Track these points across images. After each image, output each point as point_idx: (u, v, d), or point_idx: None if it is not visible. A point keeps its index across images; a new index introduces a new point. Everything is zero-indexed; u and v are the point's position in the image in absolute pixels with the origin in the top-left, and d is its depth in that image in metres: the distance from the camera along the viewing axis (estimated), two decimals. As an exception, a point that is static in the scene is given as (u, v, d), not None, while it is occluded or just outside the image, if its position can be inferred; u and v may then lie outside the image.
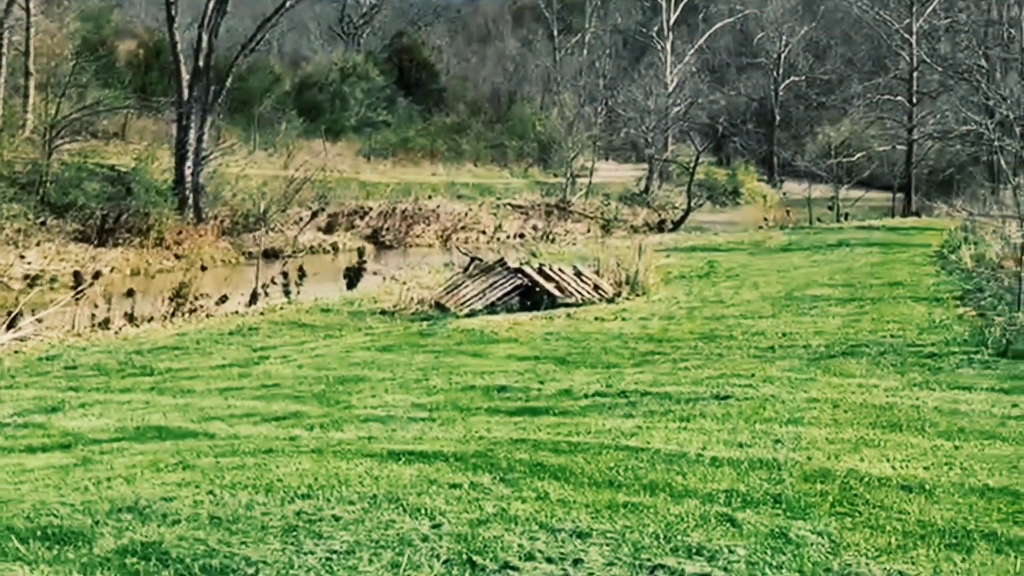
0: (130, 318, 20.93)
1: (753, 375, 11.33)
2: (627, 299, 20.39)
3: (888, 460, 7.46)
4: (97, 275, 27.96)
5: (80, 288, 23.44)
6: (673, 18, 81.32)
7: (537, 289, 20.32)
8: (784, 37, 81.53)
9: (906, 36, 58.75)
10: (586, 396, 10.67)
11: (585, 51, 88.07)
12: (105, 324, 20.23)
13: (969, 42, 45.29)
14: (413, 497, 6.53)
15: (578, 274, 21.36)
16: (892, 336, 14.10)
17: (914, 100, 57.94)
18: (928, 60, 56.28)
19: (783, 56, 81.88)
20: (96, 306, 22.02)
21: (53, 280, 29.12)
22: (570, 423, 9.29)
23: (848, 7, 71.12)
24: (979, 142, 38.87)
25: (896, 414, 9.14)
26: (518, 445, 8.20)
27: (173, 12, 40.02)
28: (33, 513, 6.25)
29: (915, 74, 57.70)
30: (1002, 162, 15.20)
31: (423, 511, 6.21)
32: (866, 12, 65.37)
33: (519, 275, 20.77)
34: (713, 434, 8.50)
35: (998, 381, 10.67)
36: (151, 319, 21.07)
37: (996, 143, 15.77)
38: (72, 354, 16.53)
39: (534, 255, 30.12)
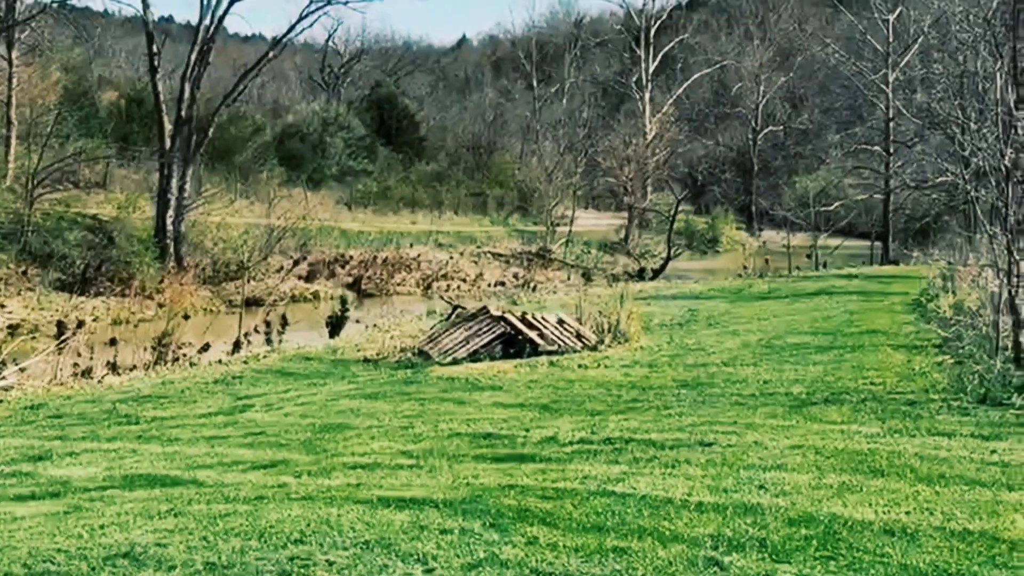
0: (113, 367, 20.93)
1: (736, 422, 11.46)
2: (609, 347, 20.50)
3: (870, 505, 7.59)
4: (80, 324, 27.93)
5: (63, 337, 23.42)
6: (652, 68, 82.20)
7: (520, 337, 20.43)
8: (761, 87, 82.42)
9: (882, 87, 59.53)
10: (571, 443, 10.75)
11: (564, 100, 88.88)
12: (88, 373, 20.23)
13: (944, 93, 45.78)
14: (405, 542, 6.62)
15: (560, 322, 21.49)
16: (872, 384, 14.24)
17: (891, 149, 58.59)
18: (904, 110, 56.93)
19: (761, 106, 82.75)
20: (79, 355, 22.02)
21: (35, 329, 29.08)
22: (556, 469, 9.38)
23: (825, 58, 72.05)
24: (955, 191, 39.32)
25: (878, 460, 9.27)
26: (506, 491, 8.30)
27: (156, 63, 40.24)
28: (30, 560, 6.31)
29: (891, 124, 58.38)
30: (977, 212, 15.44)
31: (415, 556, 6.31)
32: (843, 63, 66.25)
33: (502, 323, 20.87)
34: (698, 480, 8.61)
35: (977, 427, 10.82)
36: (134, 368, 21.07)
37: (971, 193, 16.03)
38: (56, 403, 16.53)
39: (515, 303, 30.30)
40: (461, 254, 52.93)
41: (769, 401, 13.19)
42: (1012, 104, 16.54)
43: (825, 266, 50.83)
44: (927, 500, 7.76)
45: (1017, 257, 14.05)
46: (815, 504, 7.62)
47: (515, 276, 50.38)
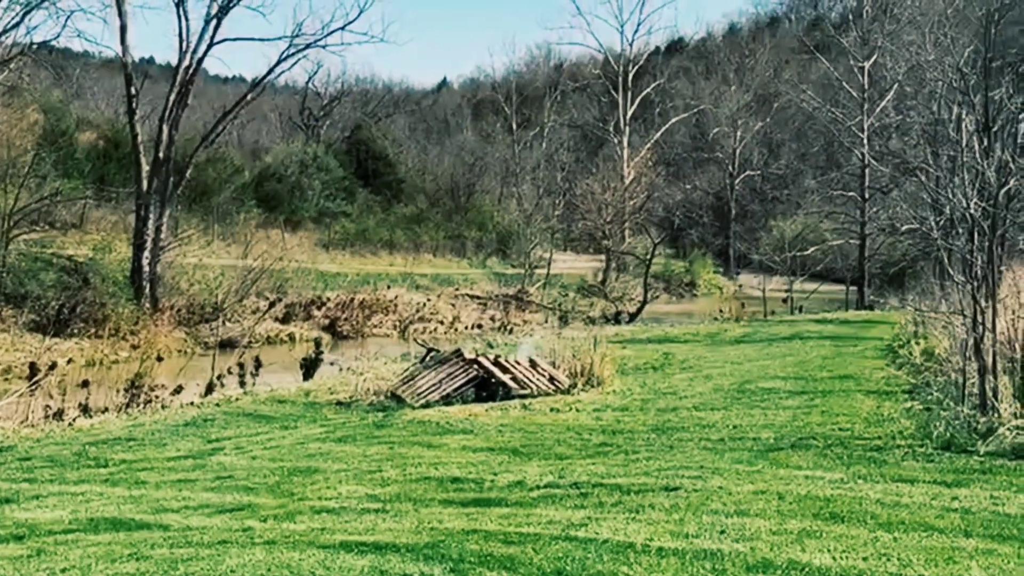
0: (84, 409, 20.80)
1: (703, 467, 11.51)
2: (582, 390, 20.56)
3: (829, 551, 7.65)
4: (53, 366, 27.80)
5: (35, 379, 23.30)
6: (630, 113, 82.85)
7: (493, 380, 20.47)
8: (739, 132, 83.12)
9: (858, 133, 60.10)
10: (538, 487, 10.78)
11: (543, 144, 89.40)
12: (59, 415, 20.11)
13: (918, 140, 46.31)
14: (363, 588, 6.63)
15: (533, 365, 21.54)
16: (840, 429, 14.34)
17: (866, 195, 59.06)
18: (877, 158, 57.53)
19: (738, 151, 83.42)
20: (51, 397, 21.89)
21: (8, 371, 28.95)
22: (521, 514, 9.41)
23: (801, 104, 72.77)
24: (928, 238, 39.68)
25: (839, 506, 9.32)
26: (469, 536, 8.32)
27: (134, 104, 40.30)
28: (-13, 604, 6.30)
29: (867, 170, 58.92)
30: (944, 260, 15.63)
31: (373, 602, 6.32)
32: (819, 110, 66.92)
33: (475, 366, 20.92)
34: (660, 525, 8.65)
35: (940, 474, 10.90)
36: (106, 410, 20.96)
37: (939, 241, 16.24)
38: (26, 446, 16.44)
39: (491, 346, 30.32)
40: (438, 296, 52.97)
41: (737, 446, 13.26)
42: (979, 152, 16.76)
43: (801, 310, 51.15)
44: (885, 547, 7.82)
45: (983, 305, 14.18)
46: (774, 550, 7.67)
47: (492, 319, 50.43)
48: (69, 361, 31.77)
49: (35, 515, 10.66)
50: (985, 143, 22.54)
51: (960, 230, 15.50)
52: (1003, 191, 15.04)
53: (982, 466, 11.33)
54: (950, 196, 16.53)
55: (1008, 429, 12.53)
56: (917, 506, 9.34)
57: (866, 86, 60.57)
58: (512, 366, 21.07)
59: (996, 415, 13.21)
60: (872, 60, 60.81)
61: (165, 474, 13.15)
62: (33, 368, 25.58)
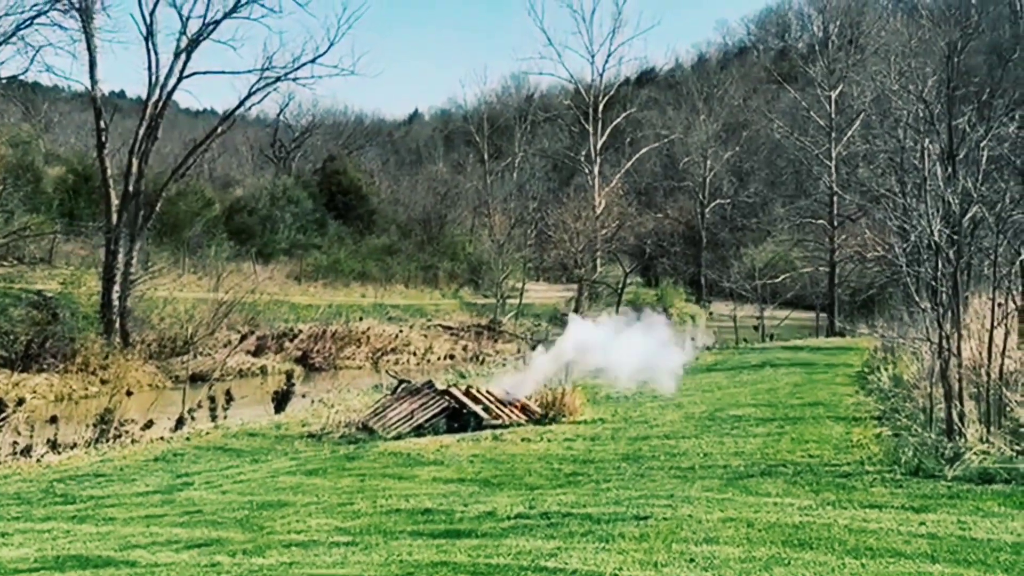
0: (53, 445, 20.62)
1: (673, 495, 11.53)
2: (554, 420, 20.56)
3: (796, 578, 7.69)
4: (20, 402, 27.54)
5: (2, 416, 23.10)
6: (600, 143, 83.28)
7: (464, 411, 20.46)
8: (708, 161, 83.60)
9: (826, 162, 60.62)
10: (509, 518, 10.77)
11: (515, 174, 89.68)
12: (27, 452, 19.93)
13: (884, 168, 46.80)
14: (331, 622, 6.61)
15: (506, 395, 21.54)
16: (810, 456, 14.41)
17: (835, 223, 59.50)
18: (844, 186, 58.05)
19: (708, 179, 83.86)
20: (19, 433, 21.69)
21: (-25, 406, 28.69)
22: (492, 545, 9.41)
23: (770, 133, 73.34)
24: (895, 265, 40.04)
25: (808, 532, 9.37)
26: (438, 568, 8.32)
27: (104, 138, 40.20)
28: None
29: (835, 198, 59.37)
30: (910, 287, 15.79)
31: (340, 636, 6.30)
32: (787, 138, 67.51)
33: (446, 397, 20.90)
34: (630, 554, 8.67)
35: (908, 499, 10.97)
36: (74, 446, 20.78)
37: (904, 268, 16.42)
38: (-8, 482, 16.30)
39: (463, 376, 30.30)
40: (411, 327, 52.91)
41: (707, 474, 13.30)
42: (942, 180, 16.96)
43: (772, 338, 51.35)
44: (853, 573, 7.87)
45: (948, 332, 14.32)
46: (742, 578, 7.70)
47: (465, 349, 50.43)
48: (36, 396, 31.53)
49: (0, 553, 10.56)
50: (949, 171, 22.78)
51: (926, 257, 15.65)
52: (967, 218, 15.21)
53: (949, 491, 11.42)
54: (915, 224, 16.70)
55: (975, 454, 12.64)
56: (885, 532, 9.40)
57: (833, 115, 61.16)
58: (484, 396, 21.08)
59: (963, 440, 13.33)
60: (839, 90, 61.48)
61: (133, 510, 13.05)
62: (0, 404, 25.33)
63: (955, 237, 15.15)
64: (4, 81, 43.43)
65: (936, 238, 14.68)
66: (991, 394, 14.25)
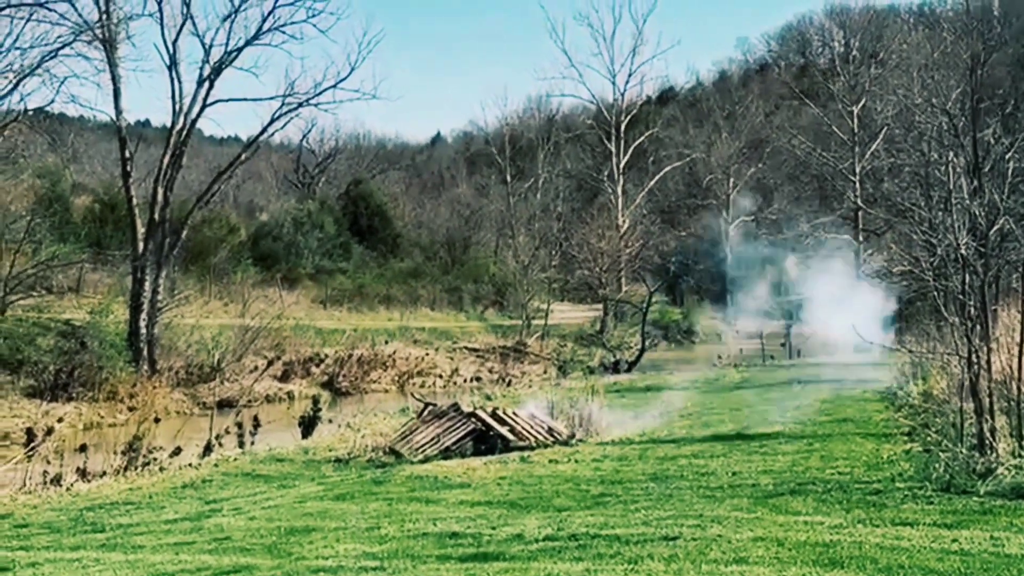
0: (82, 474, 20.69)
1: (702, 515, 11.47)
2: (581, 441, 20.53)
3: (828, 597, 7.61)
4: (49, 431, 27.66)
5: (32, 445, 23.19)
6: (623, 162, 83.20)
7: (491, 433, 20.42)
8: (731, 179, 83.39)
9: (849, 177, 60.41)
10: (537, 540, 10.73)
11: (538, 195, 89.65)
12: (57, 481, 20.00)
13: (909, 183, 46.56)
14: (359, 648, 6.58)
15: (532, 417, 21.51)
16: (839, 473, 14.31)
17: (860, 238, 59.22)
18: (869, 200, 57.80)
19: (731, 196, 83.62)
20: (48, 462, 21.75)
21: (5, 437, 28.85)
22: (519, 568, 9.37)
23: (792, 149, 73.16)
24: (922, 279, 39.80)
25: (839, 551, 9.29)
26: (466, 592, 8.28)
27: (129, 168, 40.46)
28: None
29: (859, 213, 59.11)
30: (938, 301, 15.67)
31: (368, 662, 6.27)
32: (810, 154, 67.31)
33: (473, 419, 20.88)
34: (659, 575, 8.60)
35: (940, 516, 10.87)
36: (104, 474, 20.84)
37: (932, 282, 16.29)
38: (23, 512, 16.35)
39: (489, 398, 30.29)
40: (436, 350, 52.92)
41: (736, 493, 13.21)
42: (968, 194, 16.85)
43: (799, 354, 51.05)
44: (885, 591, 7.79)
45: (977, 345, 14.19)
46: (773, 598, 7.63)
47: (491, 371, 50.38)
48: (60, 420, 31.68)
49: (31, 583, 10.60)
50: (975, 184, 22.63)
51: (953, 271, 15.53)
52: (993, 231, 15.10)
53: (982, 507, 11.30)
54: (942, 237, 16.58)
55: (1006, 469, 12.51)
56: (917, 549, 9.31)
57: (856, 130, 60.97)
58: (511, 418, 21.04)
59: (994, 455, 13.19)
60: (861, 104, 61.30)
61: (162, 537, 13.07)
62: (30, 434, 25.47)
63: (982, 250, 15.04)
64: (31, 113, 43.74)
65: (963, 251, 14.57)
66: (1022, 408, 14.11)
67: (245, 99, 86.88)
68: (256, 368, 42.05)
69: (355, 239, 71.45)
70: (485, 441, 20.34)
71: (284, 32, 42.88)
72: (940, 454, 14.37)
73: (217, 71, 41.52)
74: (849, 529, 10.35)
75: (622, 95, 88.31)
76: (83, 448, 23.40)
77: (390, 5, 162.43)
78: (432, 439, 20.41)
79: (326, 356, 46.40)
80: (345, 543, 11.51)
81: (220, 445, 24.54)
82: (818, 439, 18.17)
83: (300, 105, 44.33)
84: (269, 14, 42.09)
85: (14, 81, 39.35)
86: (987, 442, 13.63)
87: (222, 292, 53.43)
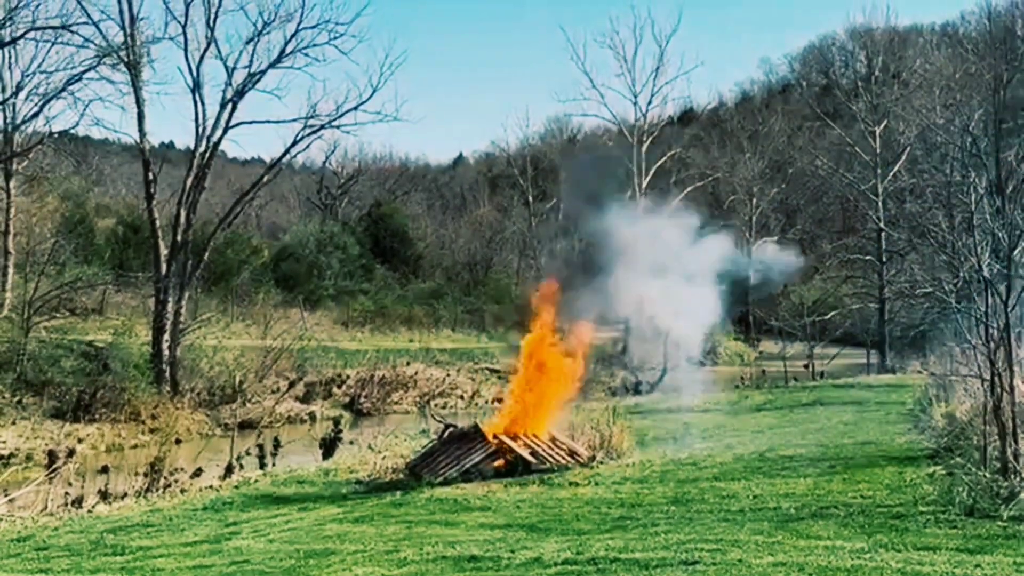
0: (103, 495, 20.75)
1: (722, 539, 11.39)
2: (602, 463, 20.43)
3: (848, 624, 7.54)
4: (71, 453, 27.78)
5: (54, 467, 23.29)
6: (645, 182, 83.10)
7: (512, 455, 20.35)
8: (754, 199, 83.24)
9: (872, 197, 60.19)
10: (556, 564, 10.69)
11: (560, 216, 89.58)
12: (78, 502, 20.06)
13: (932, 203, 46.43)
14: (375, 674, 6.55)
15: (552, 439, 21.42)
16: (862, 496, 14.19)
17: (883, 258, 58.97)
18: (892, 221, 57.55)
19: (754, 217, 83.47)
20: (70, 484, 21.85)
21: (28, 458, 28.98)
22: (538, 593, 9.33)
23: (815, 169, 72.96)
24: (945, 301, 39.70)
25: (861, 576, 9.22)
26: (484, 617, 8.24)
27: (152, 190, 40.73)
28: None
29: (882, 233, 58.88)
30: (961, 323, 15.61)
31: None
32: (833, 175, 67.13)
33: (494, 441, 20.81)
34: (678, 601, 8.55)
35: (963, 541, 10.77)
36: (125, 496, 20.88)
37: (954, 304, 16.22)
38: (44, 534, 16.38)
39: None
40: (458, 371, 52.95)
41: (757, 516, 13.12)
42: (990, 215, 16.77)
43: (822, 376, 50.83)
44: (906, 617, 7.71)
45: (1001, 368, 14.09)
46: (793, 624, 7.56)
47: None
48: (81, 441, 31.79)
49: (50, 606, 10.61)
50: (998, 204, 22.55)
51: (976, 292, 15.44)
52: (1016, 252, 15.01)
53: (1005, 531, 11.20)
54: (964, 258, 16.50)
55: (1030, 493, 12.39)
56: (940, 575, 9.22)
57: (878, 150, 60.76)
58: (531, 440, 20.97)
59: (1018, 479, 13.07)
60: (883, 124, 61.09)
61: (182, 560, 13.07)
62: (52, 455, 25.59)
63: (1005, 272, 14.94)
64: (56, 136, 44.15)
65: (986, 273, 14.49)
66: (1046, 431, 13.99)
67: (268, 121, 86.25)
68: (278, 389, 42.15)
69: (377, 260, 71.68)
70: (506, 463, 20.28)
71: (307, 55, 43.17)
72: (963, 477, 14.25)
73: (240, 94, 41.80)
74: (871, 554, 10.25)
75: (644, 116, 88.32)
76: (104, 469, 23.50)
77: (412, 27, 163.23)
78: (452, 461, 20.33)
79: (347, 377, 46.49)
80: (364, 566, 11.49)
81: (241, 467, 24.56)
82: (840, 462, 18.02)
83: (322, 127, 44.61)
84: (292, 37, 42.42)
85: (39, 104, 39.80)
86: (1010, 466, 13.51)
87: (244, 313, 53.61)
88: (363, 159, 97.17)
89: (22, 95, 41.82)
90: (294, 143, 44.77)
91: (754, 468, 18.05)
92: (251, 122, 47.50)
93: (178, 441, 30.91)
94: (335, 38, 43.43)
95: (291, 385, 43.31)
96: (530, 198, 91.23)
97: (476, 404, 46.61)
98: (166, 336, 39.05)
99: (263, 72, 42.43)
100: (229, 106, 41.63)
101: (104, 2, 68.39)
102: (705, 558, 10.29)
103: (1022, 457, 13.59)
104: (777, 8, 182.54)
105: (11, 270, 42.27)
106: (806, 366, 54.57)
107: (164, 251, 40.12)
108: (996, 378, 13.99)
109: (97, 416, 34.73)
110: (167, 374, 38.53)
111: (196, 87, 41.45)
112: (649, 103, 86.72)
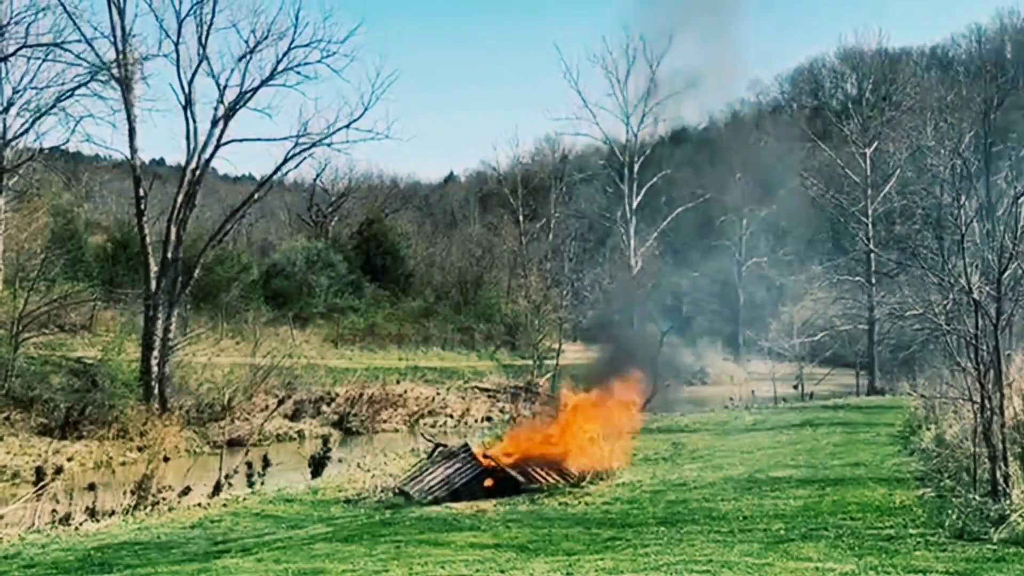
0: (91, 513, 20.65)
1: (711, 560, 11.37)
2: (591, 483, 20.40)
3: (839, 647, 7.52)
4: (59, 470, 27.66)
5: (41, 484, 23.17)
6: (636, 202, 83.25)
7: (501, 474, 20.33)
8: (744, 220, 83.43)
9: (862, 219, 60.36)
10: (545, 585, 10.66)
11: (550, 235, 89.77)
12: (66, 520, 19.96)
13: (922, 225, 46.58)
14: None
15: (542, 458, 21.39)
16: (852, 518, 14.20)
17: (872, 280, 59.11)
18: (882, 242, 57.71)
19: (744, 238, 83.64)
20: (57, 501, 21.74)
21: (16, 475, 28.82)
22: (527, 614, 9.29)
23: (804, 190, 73.15)
24: (934, 322, 39.75)
25: (850, 599, 9.20)
26: (473, 638, 8.21)
27: (142, 206, 40.59)
28: None
29: (872, 255, 59.03)
30: (951, 345, 15.63)
31: None
32: (823, 196, 67.33)
33: (484, 460, 20.79)
34: (668, 623, 8.53)
35: (953, 563, 10.76)
36: (113, 513, 20.79)
37: (944, 326, 16.27)
38: (31, 552, 16.28)
39: (500, 439, 30.14)
40: (448, 389, 52.85)
41: (747, 537, 13.11)
42: (980, 237, 16.81)
43: (811, 397, 50.84)
44: (897, 641, 7.69)
45: (990, 390, 14.11)
46: (783, 647, 7.55)
47: (502, 411, 50.19)
48: (70, 459, 31.63)
49: (36, 624, 10.54)
50: (988, 227, 22.61)
51: (965, 314, 15.48)
52: (1006, 274, 15.04)
53: (995, 554, 11.20)
54: (954, 280, 16.54)
55: (1021, 516, 12.39)
56: (929, 598, 9.21)
57: (868, 172, 60.97)
58: (520, 460, 20.95)
59: (1008, 501, 13.08)
60: (874, 147, 61.31)
61: (169, 579, 13.01)
62: (39, 473, 25.45)
63: (995, 294, 14.97)
64: (46, 152, 44.10)
65: (975, 295, 14.52)
66: (1036, 453, 14.01)
67: (259, 139, 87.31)
68: (267, 407, 41.98)
69: (367, 278, 71.59)
70: (495, 482, 20.24)
71: (299, 73, 43.10)
72: (953, 500, 14.28)
73: (232, 111, 41.75)
74: (861, 576, 10.26)
75: (635, 136, 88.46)
76: (92, 487, 23.36)
77: (403, 46, 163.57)
78: (442, 480, 20.31)
79: (337, 395, 46.35)
80: (352, 586, 11.45)
81: (229, 485, 24.46)
82: (830, 483, 18.04)
83: (313, 145, 44.46)
84: (284, 55, 42.34)
85: (30, 120, 39.78)
86: (1000, 488, 13.52)
87: (234, 330, 53.41)
88: (354, 176, 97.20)
89: (13, 111, 41.82)
90: (285, 161, 44.68)
91: (744, 489, 18.04)
92: (242, 140, 47.65)
93: (166, 459, 30.75)
94: (327, 56, 43.38)
95: (280, 403, 43.14)
96: (520, 217, 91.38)
97: (466, 423, 46.57)
98: (155, 353, 38.89)
99: (255, 90, 42.38)
100: (220, 123, 41.56)
101: (97, 19, 68.52)
102: (695, 580, 10.28)
103: (1012, 480, 13.61)
104: (768, 30, 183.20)
105: (0, 286, 42.12)
106: (795, 387, 54.59)
107: (154, 268, 39.97)
108: (986, 400, 14.01)
109: (85, 433, 34.52)
110: (156, 391, 38.36)
111: (188, 104, 41.40)
112: (640, 123, 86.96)
